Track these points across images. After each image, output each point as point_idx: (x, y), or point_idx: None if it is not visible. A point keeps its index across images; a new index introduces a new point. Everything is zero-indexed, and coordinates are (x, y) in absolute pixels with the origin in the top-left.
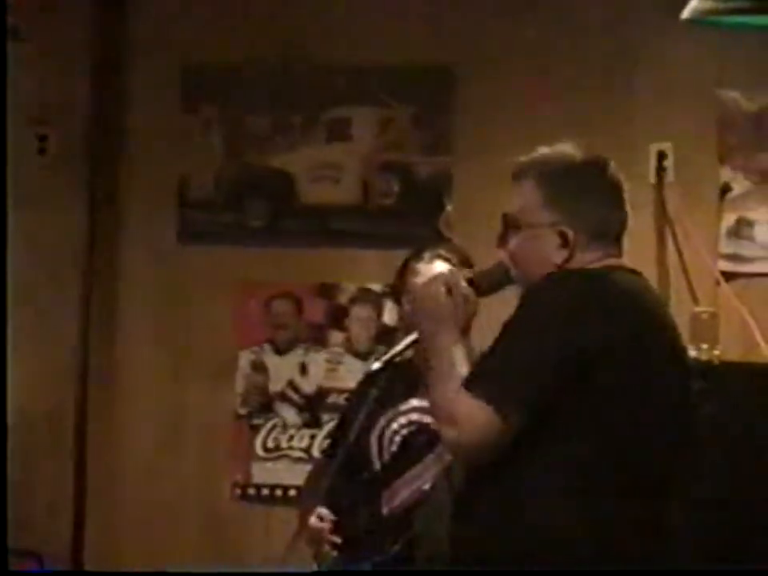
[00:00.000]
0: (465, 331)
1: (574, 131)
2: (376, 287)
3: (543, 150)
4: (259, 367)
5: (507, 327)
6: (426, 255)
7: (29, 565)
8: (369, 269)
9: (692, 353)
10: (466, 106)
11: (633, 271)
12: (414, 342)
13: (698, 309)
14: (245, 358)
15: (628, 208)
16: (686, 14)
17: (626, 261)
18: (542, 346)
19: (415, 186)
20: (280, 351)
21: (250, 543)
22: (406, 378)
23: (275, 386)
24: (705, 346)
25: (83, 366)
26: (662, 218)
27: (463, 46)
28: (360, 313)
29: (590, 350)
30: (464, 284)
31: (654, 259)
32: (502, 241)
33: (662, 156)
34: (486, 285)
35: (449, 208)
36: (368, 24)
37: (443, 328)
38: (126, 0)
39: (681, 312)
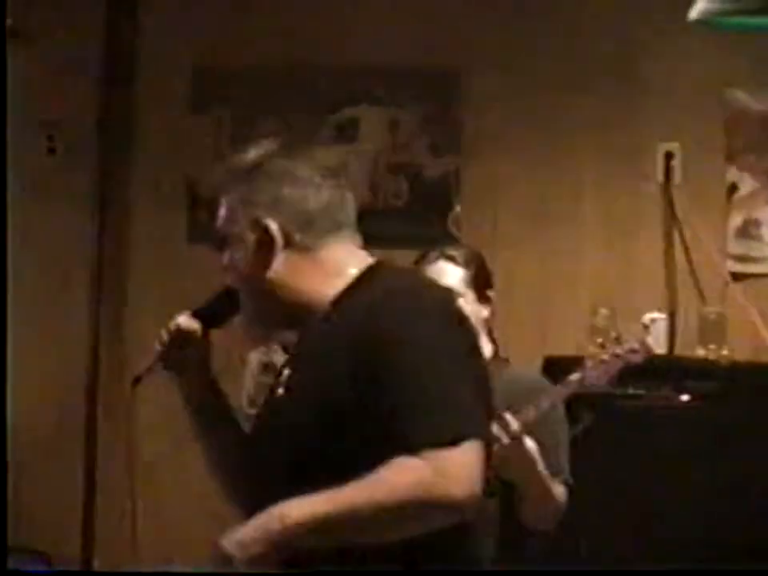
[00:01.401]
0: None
1: (581, 132)
2: None
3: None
4: (268, 368)
5: (398, 357)
6: (431, 255)
7: (37, 566)
8: None
9: (700, 353)
10: (474, 107)
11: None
12: None
13: (706, 309)
14: (254, 359)
15: (346, 191)
16: (693, 14)
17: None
18: (456, 355)
19: (424, 186)
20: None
21: None
22: None
23: None
24: (713, 347)
25: (92, 365)
26: (670, 219)
27: (471, 47)
28: None
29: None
30: (185, 323)
31: (662, 259)
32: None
33: (669, 156)
34: (212, 317)
35: (457, 208)
36: (376, 25)
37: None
38: (137, 2)
39: (689, 312)
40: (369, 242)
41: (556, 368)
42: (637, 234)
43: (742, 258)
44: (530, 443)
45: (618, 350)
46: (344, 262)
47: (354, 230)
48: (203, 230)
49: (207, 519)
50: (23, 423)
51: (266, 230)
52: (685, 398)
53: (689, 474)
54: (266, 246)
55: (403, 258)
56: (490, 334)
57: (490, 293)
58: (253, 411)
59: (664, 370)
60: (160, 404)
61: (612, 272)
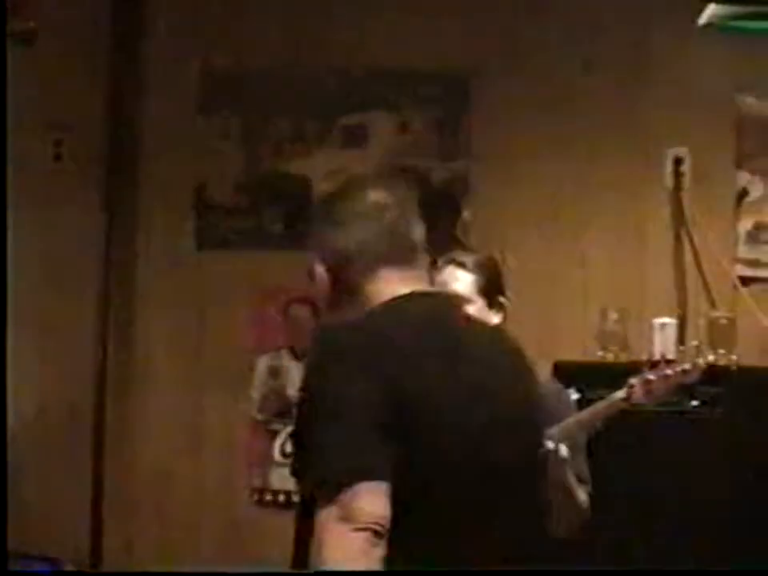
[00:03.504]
0: None
1: (590, 136)
2: None
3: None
4: (277, 372)
5: None
6: (441, 261)
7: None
8: None
9: (702, 363)
10: (483, 111)
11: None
12: None
13: (715, 314)
14: (263, 363)
15: (396, 225)
16: (703, 19)
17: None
18: None
19: (432, 191)
20: (298, 356)
21: (266, 548)
22: None
23: (293, 391)
24: (722, 351)
25: (101, 371)
26: (680, 223)
27: (479, 51)
28: None
29: None
30: None
31: (672, 264)
32: None
33: (678, 161)
34: None
35: (465, 213)
36: (385, 29)
37: None
38: (144, 4)
39: (698, 317)
40: None
41: (565, 373)
42: (646, 238)
43: (751, 263)
44: (563, 450)
45: (669, 371)
46: (381, 294)
47: (402, 262)
48: (211, 235)
49: (217, 523)
50: (30, 427)
51: (317, 272)
52: (694, 402)
53: (699, 478)
54: (322, 284)
55: None
56: None
57: (503, 299)
58: (261, 417)
59: None
60: (169, 410)
61: (621, 277)
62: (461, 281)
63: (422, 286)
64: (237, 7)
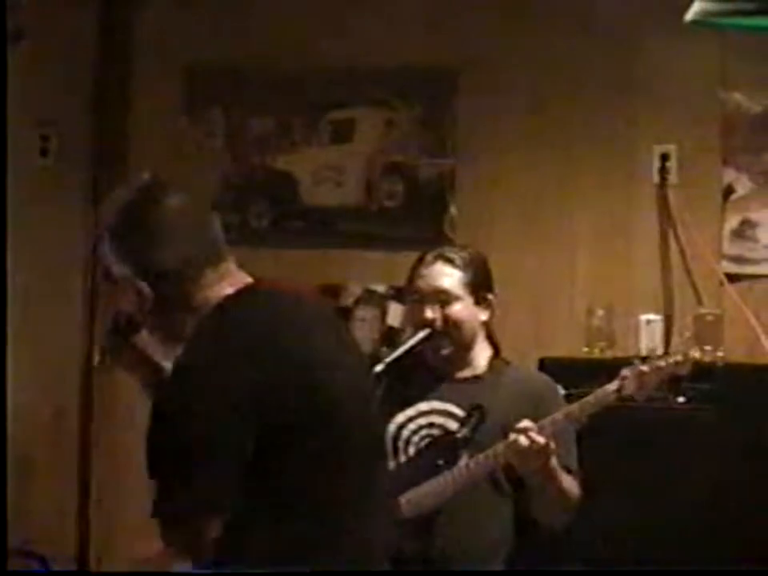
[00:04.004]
0: None
1: (576, 133)
2: (380, 288)
3: (115, 196)
4: None
5: None
6: (429, 257)
7: (33, 567)
8: (372, 270)
9: (696, 354)
10: (470, 108)
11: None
12: (421, 342)
13: (701, 310)
14: None
15: (201, 225)
16: (689, 16)
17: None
18: None
19: (418, 187)
20: None
21: None
22: (417, 378)
23: None
24: (709, 348)
25: (87, 368)
26: (666, 220)
27: (466, 48)
28: (364, 314)
29: None
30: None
31: (658, 261)
32: None
33: (665, 157)
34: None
35: (452, 209)
36: (371, 26)
37: None
38: (130, 1)
39: (685, 313)
40: (363, 243)
41: (552, 369)
42: (633, 235)
43: (737, 259)
44: (550, 442)
45: (661, 363)
46: (210, 297)
47: (219, 260)
48: None
49: None
50: (17, 425)
51: (138, 292)
52: (681, 399)
53: (686, 475)
54: (145, 302)
55: (401, 259)
56: (489, 337)
57: (490, 296)
58: None
59: None
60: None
61: (608, 273)
62: (449, 277)
63: (243, 279)
64: (222, 5)
